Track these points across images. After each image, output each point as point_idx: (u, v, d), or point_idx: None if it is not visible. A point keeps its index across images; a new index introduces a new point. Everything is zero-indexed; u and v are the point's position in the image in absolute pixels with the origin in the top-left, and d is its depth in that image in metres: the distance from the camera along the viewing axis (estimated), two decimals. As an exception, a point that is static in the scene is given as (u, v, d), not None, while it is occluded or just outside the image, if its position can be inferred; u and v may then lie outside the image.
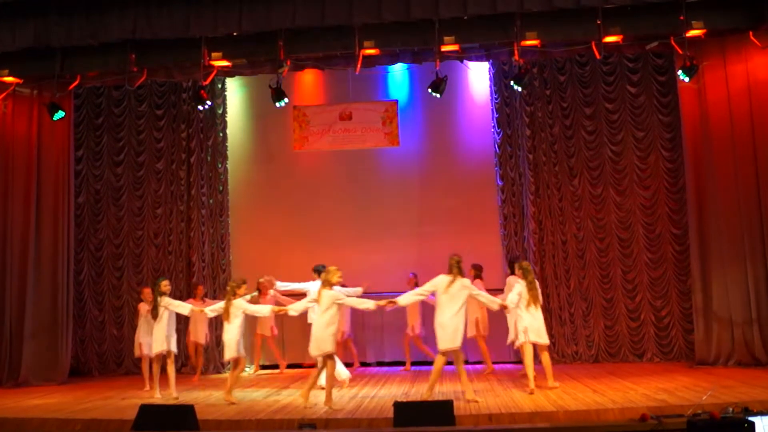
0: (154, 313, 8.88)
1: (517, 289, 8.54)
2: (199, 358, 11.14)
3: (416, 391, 8.83)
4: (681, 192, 10.84)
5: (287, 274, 11.14)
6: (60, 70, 10.19)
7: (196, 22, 9.50)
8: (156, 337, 8.91)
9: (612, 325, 11.06)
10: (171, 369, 8.93)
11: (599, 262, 11.19)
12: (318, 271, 9.54)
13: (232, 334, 8.51)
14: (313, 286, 8.98)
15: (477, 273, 10.41)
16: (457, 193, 11.86)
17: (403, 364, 11.17)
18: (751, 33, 9.57)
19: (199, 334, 10.93)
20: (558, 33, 9.62)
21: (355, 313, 10.60)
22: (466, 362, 11.41)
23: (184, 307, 9.05)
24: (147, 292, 9.84)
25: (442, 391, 8.64)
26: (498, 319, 9.95)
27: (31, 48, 9.82)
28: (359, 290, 9.36)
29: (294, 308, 8.54)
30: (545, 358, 8.59)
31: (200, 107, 10.61)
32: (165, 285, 8.99)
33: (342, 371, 9.14)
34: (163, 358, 8.96)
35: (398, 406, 6.80)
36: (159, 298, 8.89)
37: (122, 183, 12.16)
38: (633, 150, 11.22)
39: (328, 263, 9.80)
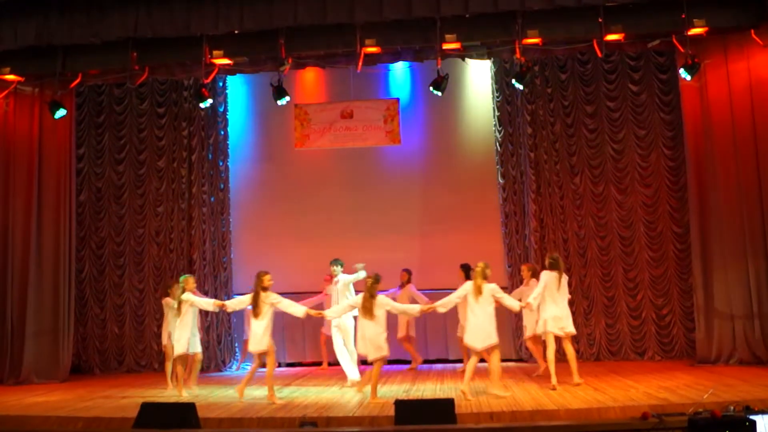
0: (257, 311, 8.31)
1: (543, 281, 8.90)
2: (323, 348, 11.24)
3: (417, 389, 8.83)
4: (682, 190, 10.83)
5: (287, 272, 11.19)
6: (61, 68, 10.19)
7: (198, 20, 9.52)
8: (254, 334, 8.35)
9: (613, 323, 11.05)
10: (271, 364, 8.37)
11: (600, 261, 11.17)
12: (338, 264, 9.58)
13: (374, 330, 8.06)
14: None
15: (409, 277, 10.79)
16: (458, 191, 11.86)
17: (404, 362, 11.15)
18: (752, 31, 9.56)
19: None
20: (559, 31, 9.61)
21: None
22: (460, 361, 11.44)
23: (298, 309, 8.38)
24: (178, 286, 9.07)
25: (443, 389, 8.63)
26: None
27: (33, 46, 9.84)
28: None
29: (442, 304, 8.26)
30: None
31: (201, 105, 10.62)
32: (268, 279, 8.36)
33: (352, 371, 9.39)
34: (260, 356, 8.45)
35: (399, 404, 6.81)
36: (262, 294, 8.31)
37: (123, 181, 12.15)
38: (634, 148, 11.20)
39: (329, 261, 9.81)
